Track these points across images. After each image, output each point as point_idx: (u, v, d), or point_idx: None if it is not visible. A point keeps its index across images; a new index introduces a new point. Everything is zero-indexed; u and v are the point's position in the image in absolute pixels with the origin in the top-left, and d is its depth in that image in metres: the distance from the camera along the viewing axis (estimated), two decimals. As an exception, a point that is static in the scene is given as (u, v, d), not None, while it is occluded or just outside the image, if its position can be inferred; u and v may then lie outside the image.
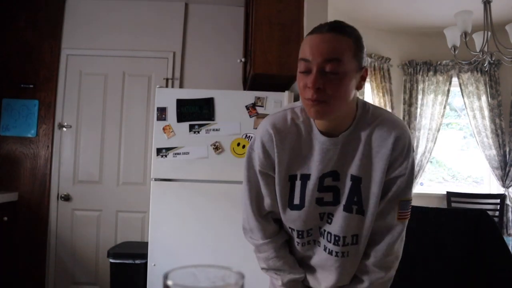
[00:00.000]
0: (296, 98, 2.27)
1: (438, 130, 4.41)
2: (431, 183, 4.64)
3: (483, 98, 4.33)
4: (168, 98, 2.36)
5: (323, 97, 0.94)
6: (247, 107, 2.35)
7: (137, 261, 2.56)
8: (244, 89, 3.13)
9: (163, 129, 2.34)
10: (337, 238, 1.08)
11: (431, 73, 4.47)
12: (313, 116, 1.00)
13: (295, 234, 1.13)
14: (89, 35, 3.32)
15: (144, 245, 2.45)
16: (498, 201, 4.18)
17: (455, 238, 1.65)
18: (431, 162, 4.59)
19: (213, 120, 2.34)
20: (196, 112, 2.35)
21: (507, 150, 4.23)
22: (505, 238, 2.05)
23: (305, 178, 1.07)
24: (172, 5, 3.38)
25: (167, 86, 3.27)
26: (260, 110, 2.34)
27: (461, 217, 1.70)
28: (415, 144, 4.40)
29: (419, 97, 4.46)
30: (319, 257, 1.14)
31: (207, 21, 3.40)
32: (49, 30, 3.28)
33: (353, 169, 1.05)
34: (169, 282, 0.41)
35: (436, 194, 4.46)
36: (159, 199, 2.33)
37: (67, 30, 3.32)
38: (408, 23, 4.24)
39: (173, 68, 3.33)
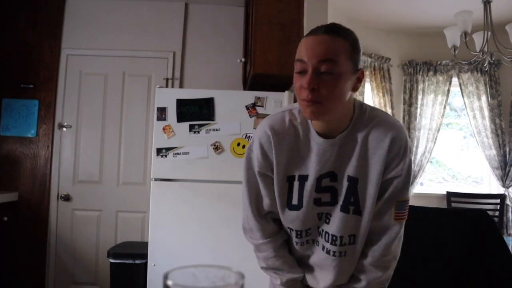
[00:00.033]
0: (296, 98, 2.27)
1: (438, 130, 4.41)
2: (431, 183, 4.64)
3: (483, 98, 4.33)
4: (168, 98, 2.36)
5: (318, 98, 0.95)
6: (247, 107, 2.35)
7: (137, 261, 2.56)
8: (244, 89, 3.13)
9: (163, 129, 2.34)
10: (334, 238, 1.09)
11: (431, 73, 4.47)
12: (308, 117, 1.01)
13: (293, 234, 1.14)
14: (89, 35, 3.32)
15: (144, 245, 2.45)
16: (498, 201, 4.18)
17: (455, 238, 1.65)
18: (431, 162, 4.59)
19: (213, 120, 2.35)
20: (196, 112, 2.35)
21: (507, 150, 4.23)
22: (505, 238, 2.05)
23: (303, 179, 1.08)
24: (172, 5, 3.38)
25: (167, 86, 3.27)
26: (260, 110, 2.35)
27: (461, 217, 1.70)
28: (415, 144, 4.40)
29: (419, 97, 4.46)
30: (318, 256, 1.15)
31: (207, 21, 3.40)
32: (49, 30, 3.28)
33: (350, 170, 1.06)
34: (169, 282, 0.41)
35: (436, 194, 4.46)
36: (159, 199, 2.33)
37: (67, 30, 3.32)
38: (408, 23, 4.24)
39: (173, 68, 3.33)
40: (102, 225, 3.21)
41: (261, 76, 2.37)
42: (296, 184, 1.09)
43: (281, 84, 2.45)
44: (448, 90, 4.44)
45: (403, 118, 4.48)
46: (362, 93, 4.22)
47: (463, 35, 3.09)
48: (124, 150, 3.27)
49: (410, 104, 4.48)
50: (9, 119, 3.21)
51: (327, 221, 1.10)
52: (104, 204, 3.22)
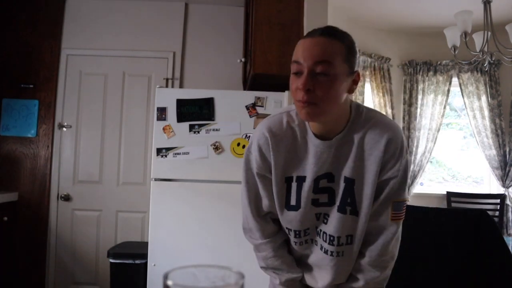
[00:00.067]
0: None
1: (438, 130, 4.41)
2: (431, 183, 4.64)
3: (483, 98, 4.33)
4: (168, 98, 2.36)
5: (313, 99, 0.96)
6: (247, 107, 2.35)
7: (137, 261, 2.56)
8: (244, 89, 3.13)
9: (163, 129, 2.34)
10: (332, 238, 1.10)
11: (431, 73, 4.47)
12: (303, 118, 1.01)
13: (292, 234, 1.15)
14: (89, 35, 3.32)
15: (144, 245, 2.46)
16: (498, 201, 4.18)
17: (455, 238, 1.65)
18: (431, 162, 4.59)
19: (213, 120, 2.35)
20: (196, 112, 2.35)
21: (507, 150, 4.23)
22: (505, 238, 2.05)
23: (301, 180, 1.09)
24: (172, 5, 3.38)
25: (167, 86, 3.27)
26: (260, 110, 2.35)
27: (461, 217, 1.70)
28: (415, 144, 4.40)
29: (419, 97, 4.46)
30: (316, 256, 1.17)
31: (207, 21, 3.40)
32: (49, 30, 3.28)
33: (346, 171, 1.06)
34: (169, 282, 0.41)
35: (436, 194, 4.46)
36: (159, 199, 2.33)
37: (67, 30, 3.32)
38: (408, 23, 4.24)
39: (173, 68, 3.33)
40: (102, 225, 3.21)
41: (261, 76, 2.37)
42: (294, 185, 1.10)
43: (281, 84, 2.44)
44: (448, 90, 4.44)
45: (403, 118, 4.48)
46: (362, 93, 4.22)
47: (463, 35, 3.09)
48: (124, 150, 3.27)
49: (410, 104, 4.48)
50: (9, 119, 3.21)
51: (325, 221, 1.11)
52: (104, 204, 3.22)
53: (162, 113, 2.35)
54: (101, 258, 3.13)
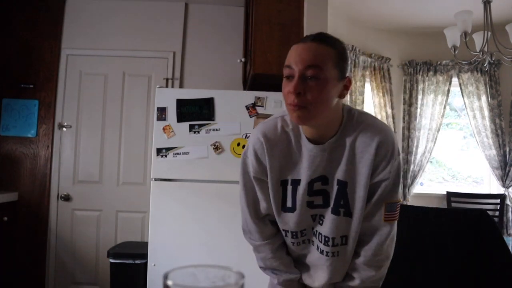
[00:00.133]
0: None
1: (438, 130, 4.41)
2: (431, 183, 4.64)
3: (483, 98, 4.33)
4: (168, 98, 2.36)
5: (304, 103, 0.98)
6: (247, 107, 2.35)
7: (137, 261, 2.56)
8: (244, 89, 3.13)
9: (163, 129, 2.34)
10: (327, 238, 1.13)
11: (431, 73, 4.47)
12: (295, 121, 1.03)
13: (289, 235, 1.18)
14: (89, 35, 3.32)
15: (144, 245, 2.46)
16: (498, 201, 4.18)
17: (455, 238, 1.65)
18: (431, 162, 4.59)
19: (213, 120, 2.35)
20: (196, 112, 2.35)
21: (507, 150, 4.23)
22: (505, 238, 2.05)
23: (296, 183, 1.12)
24: (172, 5, 3.38)
25: (167, 86, 3.27)
26: (260, 110, 2.35)
27: (461, 217, 1.69)
28: (415, 144, 4.40)
29: (419, 97, 4.46)
30: (313, 256, 1.19)
31: (207, 21, 3.40)
32: (49, 30, 3.28)
33: (339, 174, 1.09)
34: (169, 282, 0.41)
35: (436, 194, 4.46)
36: (159, 199, 2.33)
37: (67, 30, 3.32)
38: (408, 23, 4.24)
39: (173, 68, 3.33)
40: (102, 225, 3.21)
41: (261, 76, 2.37)
42: (289, 188, 1.13)
43: (281, 84, 2.44)
44: (448, 90, 4.44)
45: (403, 118, 4.48)
46: (362, 93, 4.22)
47: (463, 35, 3.09)
48: (124, 150, 3.27)
49: (410, 104, 4.48)
50: (9, 119, 3.21)
51: (321, 222, 1.14)
52: (104, 204, 3.22)
53: (162, 113, 2.35)
54: (101, 258, 3.13)
